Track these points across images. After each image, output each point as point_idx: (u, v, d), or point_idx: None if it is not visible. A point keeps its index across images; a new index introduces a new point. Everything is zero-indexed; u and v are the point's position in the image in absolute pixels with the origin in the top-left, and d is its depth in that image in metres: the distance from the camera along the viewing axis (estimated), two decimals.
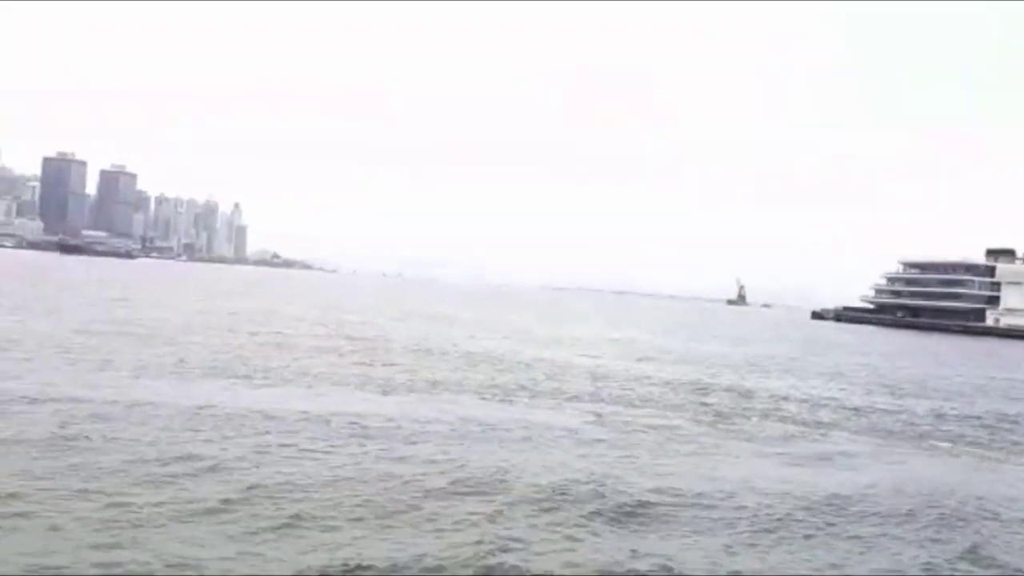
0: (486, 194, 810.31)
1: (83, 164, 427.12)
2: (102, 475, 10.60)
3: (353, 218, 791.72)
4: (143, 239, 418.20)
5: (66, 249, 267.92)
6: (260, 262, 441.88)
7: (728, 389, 26.33)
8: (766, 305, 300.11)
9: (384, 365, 25.71)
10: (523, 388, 22.51)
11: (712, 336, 64.53)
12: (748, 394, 25.37)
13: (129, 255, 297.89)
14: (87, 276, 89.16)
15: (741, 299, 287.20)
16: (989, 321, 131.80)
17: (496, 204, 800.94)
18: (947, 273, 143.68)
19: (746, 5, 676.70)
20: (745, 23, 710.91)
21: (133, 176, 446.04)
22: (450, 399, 19.65)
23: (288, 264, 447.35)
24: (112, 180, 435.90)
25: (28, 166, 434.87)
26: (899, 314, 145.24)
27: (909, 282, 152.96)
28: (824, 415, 22.30)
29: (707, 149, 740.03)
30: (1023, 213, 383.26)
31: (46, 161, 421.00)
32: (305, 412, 16.01)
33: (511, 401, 20.10)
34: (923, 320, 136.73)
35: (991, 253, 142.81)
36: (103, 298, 50.42)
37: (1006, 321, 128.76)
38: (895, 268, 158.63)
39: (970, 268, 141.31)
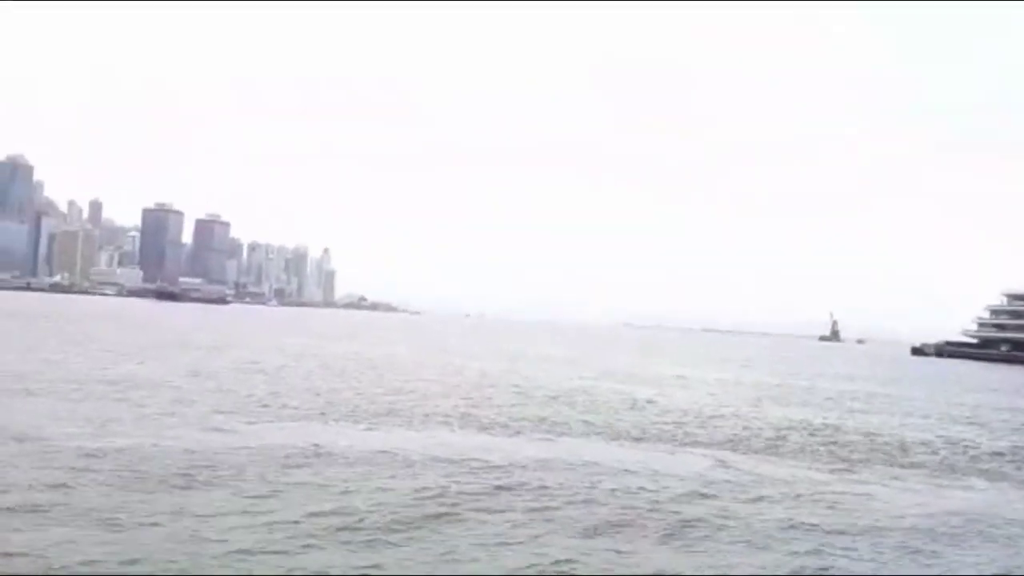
0: (557, 234, 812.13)
1: (180, 214, 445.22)
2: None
3: (431, 260, 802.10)
4: (236, 285, 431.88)
5: (162, 296, 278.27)
6: (348, 305, 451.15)
7: (860, 432, 25.80)
8: (860, 341, 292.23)
9: (518, 407, 26.06)
10: (648, 433, 22.45)
11: (818, 374, 63.21)
12: (904, 445, 24.75)
13: (222, 300, 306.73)
14: (186, 322, 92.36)
15: (835, 335, 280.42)
16: None
17: (571, 244, 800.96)
18: None
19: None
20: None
21: (226, 224, 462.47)
22: (580, 443, 19.86)
23: (374, 307, 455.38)
24: (207, 229, 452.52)
25: (128, 218, 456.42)
26: (1004, 348, 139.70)
27: (1014, 314, 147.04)
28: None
29: (790, 180, 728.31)
30: None
31: (145, 212, 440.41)
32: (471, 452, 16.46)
33: (635, 445, 20.05)
34: None
35: None
36: (215, 344, 52.22)
37: None
38: (998, 300, 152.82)
39: None
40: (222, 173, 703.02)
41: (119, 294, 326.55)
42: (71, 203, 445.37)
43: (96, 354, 38.19)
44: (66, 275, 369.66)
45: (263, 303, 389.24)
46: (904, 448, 23.04)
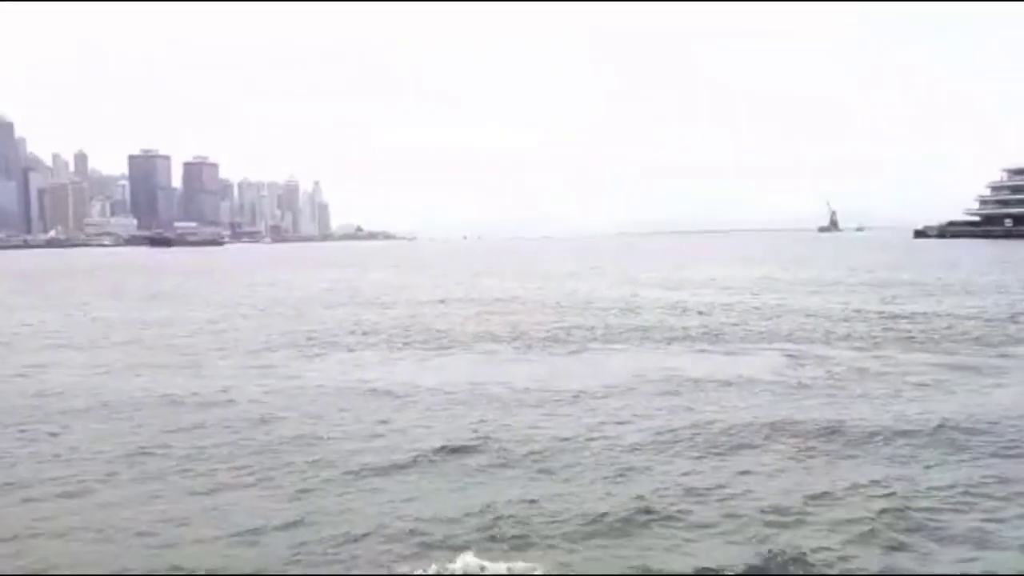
0: (546, 147, 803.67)
1: (167, 159, 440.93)
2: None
3: (421, 184, 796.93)
4: (232, 225, 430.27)
5: (156, 242, 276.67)
6: (345, 236, 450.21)
7: (903, 316, 25.99)
8: (860, 228, 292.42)
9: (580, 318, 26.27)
10: (712, 334, 22.47)
11: (833, 265, 63.41)
12: (929, 317, 25.00)
13: (217, 242, 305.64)
14: (184, 266, 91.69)
15: (833, 225, 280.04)
16: None
17: (560, 153, 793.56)
18: None
19: None
20: None
21: (215, 166, 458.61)
22: (661, 350, 19.90)
23: (372, 236, 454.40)
24: (195, 171, 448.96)
25: (115, 166, 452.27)
26: (1008, 223, 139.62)
27: (1015, 189, 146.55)
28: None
29: (782, 80, 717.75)
30: None
31: (132, 160, 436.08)
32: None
33: (707, 349, 19.96)
34: None
35: None
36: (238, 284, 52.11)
37: None
38: (999, 177, 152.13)
39: None
40: (204, 115, 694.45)
41: (116, 244, 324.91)
42: (56, 156, 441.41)
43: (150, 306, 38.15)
44: (60, 229, 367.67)
45: (258, 241, 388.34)
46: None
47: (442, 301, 35.14)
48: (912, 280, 42.92)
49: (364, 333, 23.83)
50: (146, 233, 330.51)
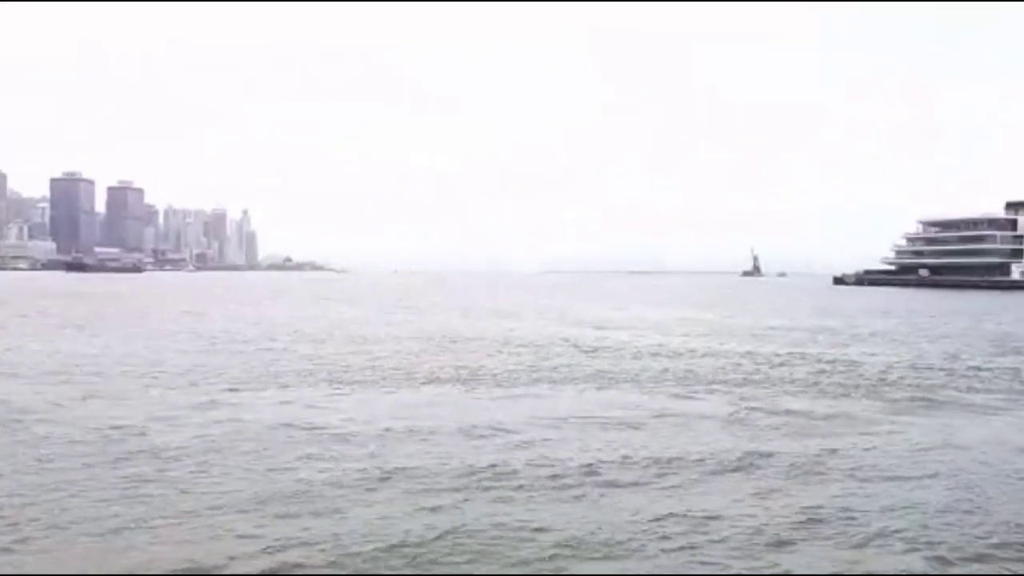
0: (476, 180, 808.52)
1: (91, 183, 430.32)
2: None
3: (351, 217, 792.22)
4: (155, 252, 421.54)
5: (71, 267, 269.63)
6: (272, 266, 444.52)
7: (827, 361, 27.17)
8: (781, 274, 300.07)
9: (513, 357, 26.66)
10: (650, 375, 23.01)
11: (753, 310, 65.35)
12: (855, 364, 26.18)
13: (136, 269, 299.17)
14: (96, 291, 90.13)
15: (756, 270, 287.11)
16: (1015, 275, 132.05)
17: (487, 190, 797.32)
18: (968, 230, 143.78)
19: None
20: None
21: (140, 191, 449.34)
22: (605, 390, 20.41)
23: (300, 267, 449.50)
24: (120, 196, 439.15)
25: (36, 188, 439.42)
26: (922, 273, 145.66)
27: (930, 241, 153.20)
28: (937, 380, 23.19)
29: (718, 122, 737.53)
30: None
31: (54, 182, 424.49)
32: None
33: (651, 391, 20.21)
34: (946, 278, 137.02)
35: (1011, 206, 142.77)
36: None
37: None
38: (915, 228, 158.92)
39: (992, 223, 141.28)
40: (131, 140, 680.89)
41: (32, 267, 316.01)
42: None
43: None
44: None
45: (181, 269, 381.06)
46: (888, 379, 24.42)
47: (366, 338, 35.12)
48: (836, 327, 44.59)
49: (296, 371, 23.43)
50: (63, 258, 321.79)
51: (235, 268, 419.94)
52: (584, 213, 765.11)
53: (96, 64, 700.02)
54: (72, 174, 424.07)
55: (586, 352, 29.24)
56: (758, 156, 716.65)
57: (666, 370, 24.21)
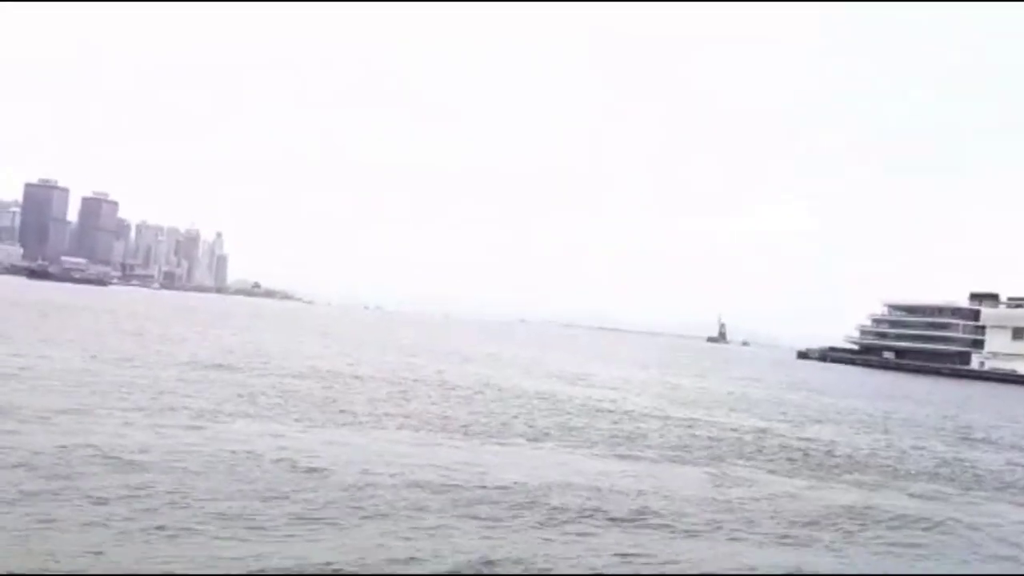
0: (451, 226, 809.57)
1: (65, 191, 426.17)
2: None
3: (328, 250, 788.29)
4: (123, 266, 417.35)
5: (34, 274, 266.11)
6: (240, 291, 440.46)
7: (797, 438, 28.34)
8: (745, 343, 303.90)
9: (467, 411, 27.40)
10: (626, 440, 23.65)
11: (725, 377, 66.80)
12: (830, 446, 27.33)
13: (102, 282, 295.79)
14: (56, 301, 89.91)
15: (722, 336, 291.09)
16: (974, 364, 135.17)
17: (463, 236, 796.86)
18: (933, 316, 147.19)
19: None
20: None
21: (115, 203, 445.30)
22: (580, 451, 21.22)
23: (269, 294, 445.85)
24: (94, 207, 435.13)
25: (9, 192, 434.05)
26: (887, 355, 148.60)
27: (894, 324, 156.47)
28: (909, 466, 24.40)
29: (686, 183, 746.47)
30: (1005, 258, 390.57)
31: (28, 188, 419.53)
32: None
33: (623, 455, 20.56)
34: (909, 362, 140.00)
35: (975, 297, 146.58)
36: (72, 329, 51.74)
37: (991, 364, 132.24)
38: (880, 310, 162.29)
39: (956, 312, 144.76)
40: (111, 150, 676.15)
41: None
42: None
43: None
44: None
45: (146, 286, 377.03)
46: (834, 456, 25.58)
47: (344, 375, 35.68)
48: (806, 403, 45.90)
49: (258, 403, 23.53)
50: (28, 264, 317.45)
51: (203, 290, 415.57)
52: (548, 262, 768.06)
53: (87, 68, 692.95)
54: (47, 181, 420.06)
55: (596, 415, 30.05)
56: (730, 219, 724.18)
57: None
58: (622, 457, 20.10)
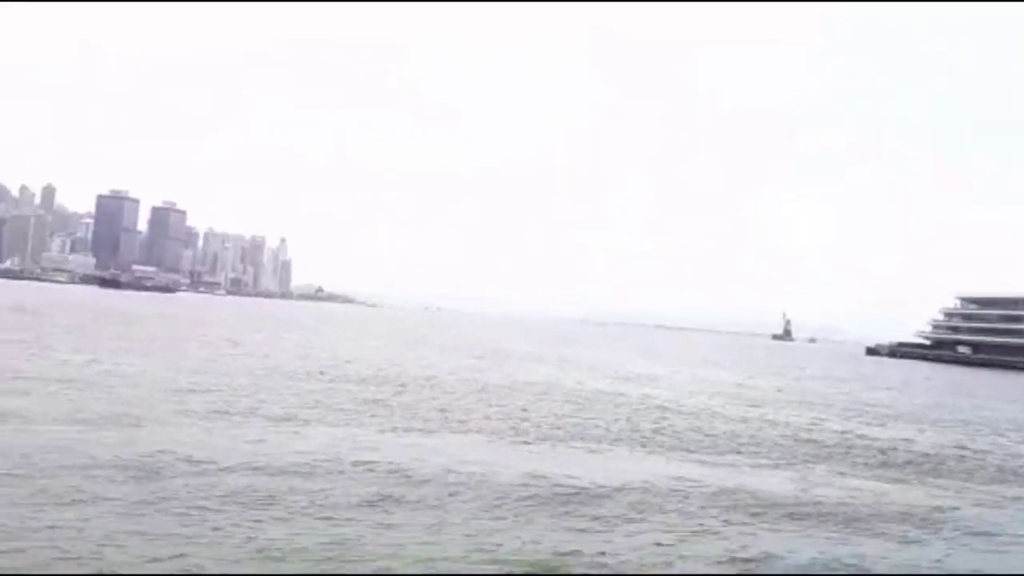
0: (512, 225, 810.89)
1: (135, 202, 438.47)
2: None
3: (387, 251, 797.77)
4: (192, 274, 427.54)
5: (106, 283, 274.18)
6: (303, 296, 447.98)
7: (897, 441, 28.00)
8: (812, 340, 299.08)
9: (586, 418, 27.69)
10: (705, 439, 23.77)
11: (799, 375, 65.97)
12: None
13: (169, 289, 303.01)
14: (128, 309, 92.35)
15: (787, 334, 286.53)
16: None
17: (524, 237, 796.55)
18: (1008, 308, 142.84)
19: None
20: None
21: (183, 213, 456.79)
22: (667, 455, 21.36)
23: (331, 298, 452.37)
24: (162, 217, 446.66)
25: (82, 204, 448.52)
26: (960, 350, 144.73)
27: (968, 317, 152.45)
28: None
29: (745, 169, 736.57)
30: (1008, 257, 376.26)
31: (100, 199, 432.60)
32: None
33: (706, 457, 20.42)
34: (983, 356, 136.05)
35: None
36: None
37: None
38: (952, 303, 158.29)
39: None
40: (178, 161, 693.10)
41: (70, 281, 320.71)
42: (23, 188, 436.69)
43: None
44: (16, 260, 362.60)
45: (213, 292, 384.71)
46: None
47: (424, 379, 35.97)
48: (888, 401, 45.20)
49: (338, 408, 23.94)
50: (101, 273, 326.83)
51: (268, 295, 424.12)
52: (607, 259, 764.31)
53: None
54: (118, 192, 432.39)
55: (675, 416, 30.17)
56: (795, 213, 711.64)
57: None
58: (704, 460, 19.99)
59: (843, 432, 27.45)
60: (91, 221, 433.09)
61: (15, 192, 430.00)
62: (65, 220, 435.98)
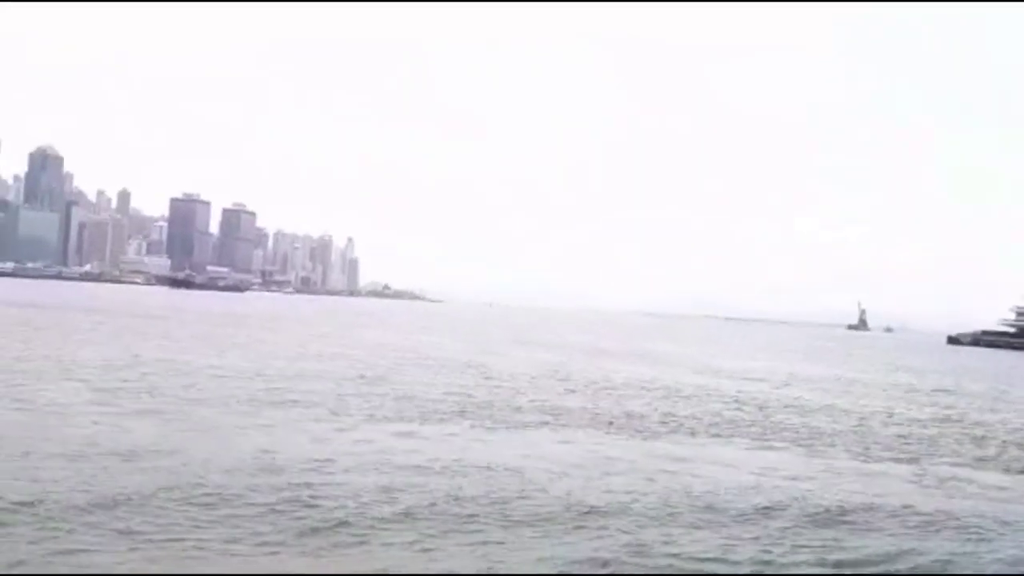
0: (571, 219, 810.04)
1: (207, 204, 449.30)
2: None
3: (447, 249, 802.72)
4: (262, 273, 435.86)
5: (177, 283, 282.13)
6: (371, 293, 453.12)
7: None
8: (888, 329, 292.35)
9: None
10: (808, 434, 23.17)
11: (886, 366, 64.53)
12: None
13: (239, 288, 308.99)
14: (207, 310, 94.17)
15: (863, 324, 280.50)
16: None
17: (585, 229, 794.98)
18: None
19: None
20: None
21: (253, 214, 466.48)
22: (785, 450, 21.06)
23: (397, 295, 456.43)
24: (233, 218, 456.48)
25: (156, 208, 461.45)
26: None
27: None
28: None
29: (811, 157, 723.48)
30: None
31: (173, 202, 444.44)
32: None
33: (813, 453, 19.98)
34: None
35: None
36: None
37: None
38: None
39: None
40: (248, 164, 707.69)
41: (147, 282, 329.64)
42: (100, 193, 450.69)
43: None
44: (96, 264, 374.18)
45: (282, 291, 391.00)
46: None
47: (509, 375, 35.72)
48: (989, 393, 43.95)
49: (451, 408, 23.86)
50: (178, 275, 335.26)
51: (337, 293, 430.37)
52: (667, 253, 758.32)
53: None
54: (190, 195, 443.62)
55: (777, 410, 29.74)
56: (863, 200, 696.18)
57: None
58: (813, 455, 19.68)
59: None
60: (165, 224, 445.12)
61: (92, 197, 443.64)
62: (141, 223, 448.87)
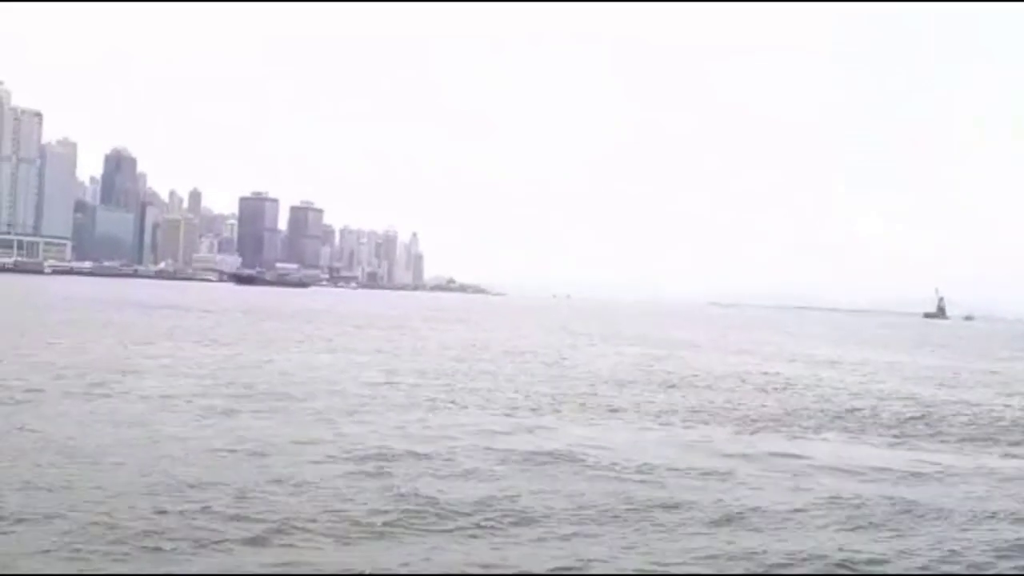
0: (635, 206, 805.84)
1: (275, 202, 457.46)
2: None
3: (509, 242, 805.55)
4: (330, 269, 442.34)
5: (240, 280, 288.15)
6: (437, 287, 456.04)
7: None
8: (968, 317, 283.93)
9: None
10: (907, 424, 22.70)
11: (978, 355, 62.68)
12: None
13: (303, 284, 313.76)
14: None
15: (941, 312, 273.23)
16: None
17: (650, 219, 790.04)
18: None
19: None
20: None
21: (320, 211, 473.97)
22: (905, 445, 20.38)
23: (463, 288, 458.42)
24: (301, 216, 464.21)
25: (226, 206, 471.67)
26: None
27: None
28: None
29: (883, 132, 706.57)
30: None
31: (242, 201, 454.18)
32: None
33: (915, 446, 19.42)
34: None
35: None
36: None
37: None
38: None
39: None
40: (314, 161, 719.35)
41: (219, 279, 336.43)
42: (172, 193, 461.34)
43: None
44: (170, 262, 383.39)
45: (347, 286, 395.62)
46: None
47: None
48: None
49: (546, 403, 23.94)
50: (250, 271, 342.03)
51: (402, 288, 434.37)
52: (726, 242, 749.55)
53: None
54: (259, 194, 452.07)
55: (880, 400, 28.99)
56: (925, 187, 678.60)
57: None
58: (915, 447, 19.26)
59: None
60: (235, 222, 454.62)
61: (164, 197, 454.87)
62: (211, 222, 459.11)
